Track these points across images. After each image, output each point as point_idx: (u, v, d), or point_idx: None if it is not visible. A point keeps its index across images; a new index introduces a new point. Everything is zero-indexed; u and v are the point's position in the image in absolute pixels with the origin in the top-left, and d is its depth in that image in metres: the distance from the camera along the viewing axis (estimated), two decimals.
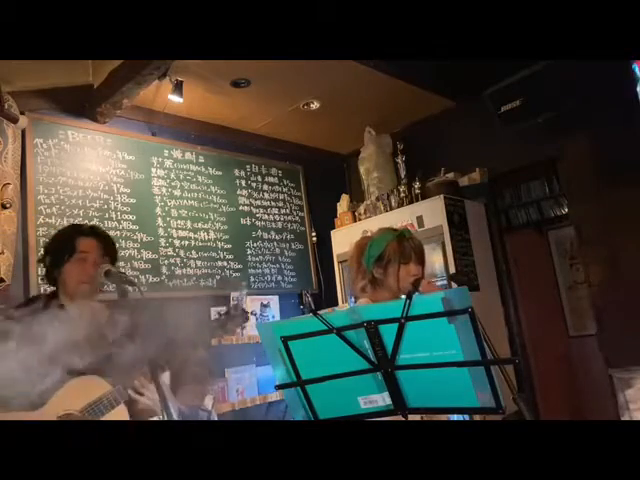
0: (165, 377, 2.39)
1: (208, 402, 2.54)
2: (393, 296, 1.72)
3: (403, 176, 3.65)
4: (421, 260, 1.76)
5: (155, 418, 1.81)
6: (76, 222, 2.77)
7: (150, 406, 1.70)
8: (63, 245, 1.76)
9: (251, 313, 3.39)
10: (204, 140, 3.54)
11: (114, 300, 1.53)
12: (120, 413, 1.62)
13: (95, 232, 1.83)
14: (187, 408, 2.40)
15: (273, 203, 3.88)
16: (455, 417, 1.70)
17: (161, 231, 3.15)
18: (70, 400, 1.56)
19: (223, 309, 1.83)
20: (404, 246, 1.73)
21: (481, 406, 1.12)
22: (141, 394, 1.65)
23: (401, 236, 1.77)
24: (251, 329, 3.31)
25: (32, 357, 1.49)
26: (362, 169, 3.90)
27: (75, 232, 1.80)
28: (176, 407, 2.28)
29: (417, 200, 3.42)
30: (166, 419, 1.33)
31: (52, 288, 1.81)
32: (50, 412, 1.53)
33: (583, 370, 3.86)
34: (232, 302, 1.85)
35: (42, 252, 1.83)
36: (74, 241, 1.75)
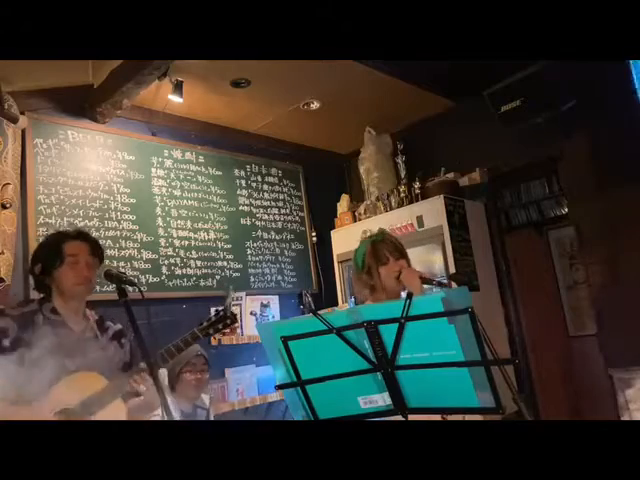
0: (162, 375, 2.41)
1: (205, 400, 2.55)
2: (387, 296, 1.85)
3: (403, 176, 3.65)
4: (399, 255, 1.88)
5: (155, 414, 1.83)
6: (76, 222, 2.78)
7: (148, 400, 1.72)
8: (51, 252, 1.77)
9: (251, 313, 3.40)
10: (204, 140, 3.53)
11: (114, 300, 1.53)
12: (117, 409, 1.63)
13: (81, 235, 1.84)
14: (185, 406, 2.42)
15: (273, 203, 3.87)
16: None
17: (161, 231, 3.15)
18: (66, 395, 1.58)
19: (220, 308, 1.86)
20: (377, 249, 1.88)
21: (481, 406, 1.12)
22: (139, 389, 1.66)
23: (374, 241, 1.91)
24: (251, 329, 3.32)
25: (29, 356, 1.56)
26: (362, 169, 3.90)
27: (61, 238, 1.81)
28: (175, 405, 2.30)
29: (417, 200, 3.42)
30: (166, 417, 1.33)
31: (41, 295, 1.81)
32: (46, 407, 1.56)
33: (583, 370, 3.85)
34: (228, 304, 1.87)
35: (30, 262, 1.84)
36: (61, 246, 1.76)
